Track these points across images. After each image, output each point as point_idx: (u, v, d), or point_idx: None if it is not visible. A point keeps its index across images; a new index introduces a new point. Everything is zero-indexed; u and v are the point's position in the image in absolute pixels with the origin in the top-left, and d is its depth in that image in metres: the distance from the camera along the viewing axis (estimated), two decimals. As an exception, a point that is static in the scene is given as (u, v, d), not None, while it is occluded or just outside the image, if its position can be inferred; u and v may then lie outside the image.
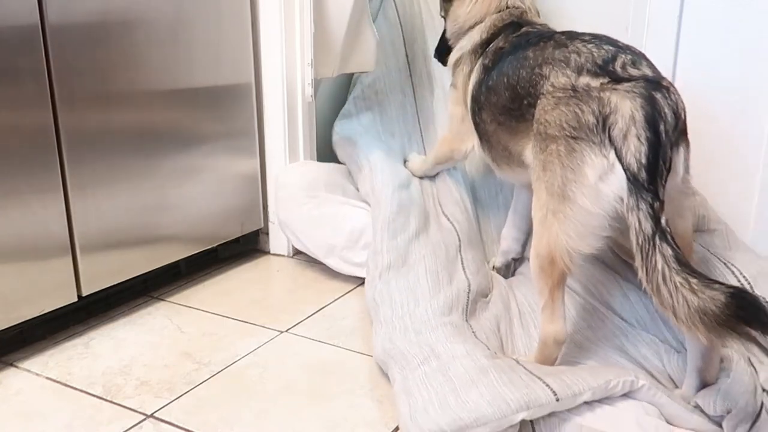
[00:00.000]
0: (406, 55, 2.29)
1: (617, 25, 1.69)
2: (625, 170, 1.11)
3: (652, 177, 1.09)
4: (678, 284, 1.03)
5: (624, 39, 1.64)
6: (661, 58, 1.58)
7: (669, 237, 1.07)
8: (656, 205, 1.08)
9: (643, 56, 1.23)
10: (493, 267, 1.79)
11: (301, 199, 1.91)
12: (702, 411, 1.18)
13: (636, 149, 1.10)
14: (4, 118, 1.35)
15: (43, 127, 1.43)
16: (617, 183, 1.13)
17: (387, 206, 1.78)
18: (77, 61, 1.48)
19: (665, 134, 1.11)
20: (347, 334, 1.57)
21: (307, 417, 1.25)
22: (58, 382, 1.38)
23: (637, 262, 1.09)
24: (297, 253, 2.10)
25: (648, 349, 1.38)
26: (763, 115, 1.48)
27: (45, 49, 1.41)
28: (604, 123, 1.14)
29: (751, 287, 1.33)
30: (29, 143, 1.41)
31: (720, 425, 1.16)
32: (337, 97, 2.41)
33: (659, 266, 1.05)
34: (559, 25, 1.73)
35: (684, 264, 1.05)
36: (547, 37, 1.34)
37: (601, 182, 1.14)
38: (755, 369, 1.26)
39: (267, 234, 2.11)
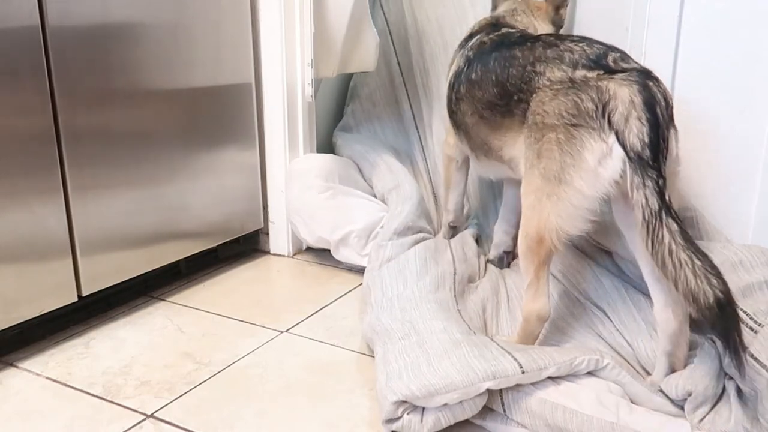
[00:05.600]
0: (398, 64, 2.30)
1: (617, 25, 1.69)
2: (627, 151, 1.17)
3: (655, 155, 1.16)
4: (683, 261, 1.11)
5: (624, 39, 1.65)
6: (661, 58, 1.59)
7: (673, 212, 1.15)
8: (660, 181, 1.15)
9: (627, 54, 1.31)
10: (488, 260, 1.83)
11: (319, 187, 1.93)
12: (664, 393, 1.23)
13: (638, 130, 1.17)
14: (5, 118, 1.35)
15: (44, 127, 1.43)
16: (613, 167, 1.19)
17: (409, 205, 1.86)
18: (77, 61, 1.48)
19: (662, 116, 1.18)
20: (347, 334, 1.57)
21: (307, 417, 1.25)
22: (58, 382, 1.38)
23: (642, 236, 1.15)
24: (297, 252, 2.10)
25: (623, 338, 1.42)
26: (763, 116, 1.48)
27: (45, 50, 1.41)
28: (603, 109, 1.19)
29: None
30: (30, 144, 1.41)
31: (683, 408, 1.20)
32: (337, 96, 2.41)
33: (666, 240, 1.13)
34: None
35: (689, 241, 1.13)
36: (533, 38, 1.41)
37: (600, 166, 1.20)
38: (719, 352, 1.29)
39: (267, 234, 2.11)
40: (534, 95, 1.30)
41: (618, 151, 1.18)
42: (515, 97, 1.35)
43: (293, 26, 1.92)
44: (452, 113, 1.61)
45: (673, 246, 1.12)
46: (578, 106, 1.22)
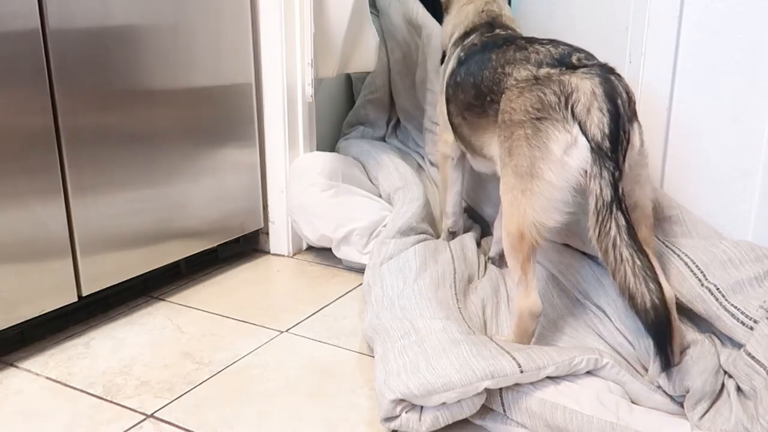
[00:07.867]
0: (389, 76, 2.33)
1: (617, 25, 1.69)
2: (589, 141, 1.20)
3: (614, 146, 1.19)
4: (624, 257, 1.16)
5: (624, 39, 1.65)
6: (661, 58, 1.59)
7: (624, 206, 1.18)
8: (616, 174, 1.18)
9: (593, 55, 1.34)
10: (488, 258, 1.83)
11: (322, 185, 1.93)
12: (664, 391, 1.23)
13: (599, 120, 1.20)
14: (6, 119, 1.35)
15: (44, 128, 1.43)
16: (580, 156, 1.21)
17: (414, 207, 1.87)
18: (78, 62, 1.48)
19: (623, 107, 1.21)
20: (347, 334, 1.57)
21: (307, 417, 1.26)
22: (58, 382, 1.38)
23: (590, 224, 1.19)
24: (297, 252, 2.10)
25: (623, 337, 1.41)
26: (763, 116, 1.48)
27: (45, 51, 1.41)
28: (566, 101, 1.23)
29: (704, 275, 1.37)
30: (30, 144, 1.41)
31: (683, 405, 1.20)
32: (337, 96, 2.41)
33: (612, 233, 1.16)
34: (560, 24, 1.74)
35: (633, 238, 1.16)
36: (510, 41, 1.45)
37: (566, 155, 1.22)
38: (717, 349, 1.29)
39: (267, 234, 2.11)
40: (503, 95, 1.35)
41: (583, 141, 1.20)
42: (488, 98, 1.40)
43: (293, 26, 1.92)
44: (448, 113, 1.65)
45: (618, 240, 1.16)
46: (542, 100, 1.25)
